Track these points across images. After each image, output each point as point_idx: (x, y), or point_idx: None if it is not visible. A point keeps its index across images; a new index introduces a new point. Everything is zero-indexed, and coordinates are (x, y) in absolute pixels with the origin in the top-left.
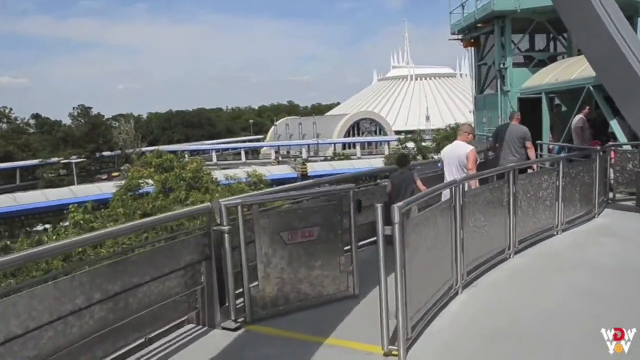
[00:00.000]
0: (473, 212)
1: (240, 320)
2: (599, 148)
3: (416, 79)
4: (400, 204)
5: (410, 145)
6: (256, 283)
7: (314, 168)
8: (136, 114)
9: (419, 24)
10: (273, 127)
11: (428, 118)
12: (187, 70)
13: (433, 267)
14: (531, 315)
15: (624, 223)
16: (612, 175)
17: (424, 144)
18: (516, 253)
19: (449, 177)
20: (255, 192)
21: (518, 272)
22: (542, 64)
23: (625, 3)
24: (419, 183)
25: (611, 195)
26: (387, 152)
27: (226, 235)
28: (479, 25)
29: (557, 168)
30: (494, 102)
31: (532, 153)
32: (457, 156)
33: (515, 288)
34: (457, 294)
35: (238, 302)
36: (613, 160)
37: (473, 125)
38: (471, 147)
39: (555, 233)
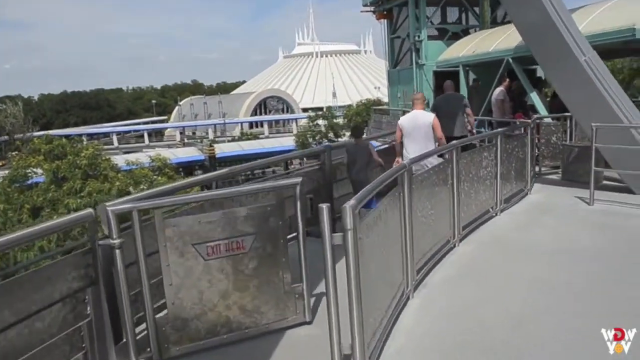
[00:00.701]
0: (420, 199)
1: (144, 358)
2: (530, 121)
3: (321, 56)
4: (351, 202)
5: (321, 122)
6: (165, 311)
7: (221, 149)
8: (25, 95)
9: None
10: (177, 107)
11: (334, 94)
12: (83, 48)
13: (385, 272)
14: (497, 318)
15: (557, 199)
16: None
17: (335, 120)
18: (460, 240)
19: (414, 147)
20: (158, 189)
21: (468, 264)
22: (456, 36)
23: None
24: (375, 155)
25: (537, 169)
26: (295, 130)
27: (117, 252)
28: None
29: (495, 143)
30: (408, 76)
31: (472, 120)
32: (419, 125)
33: (470, 285)
34: (408, 298)
35: (139, 335)
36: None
37: (388, 100)
38: (433, 114)
39: (495, 214)
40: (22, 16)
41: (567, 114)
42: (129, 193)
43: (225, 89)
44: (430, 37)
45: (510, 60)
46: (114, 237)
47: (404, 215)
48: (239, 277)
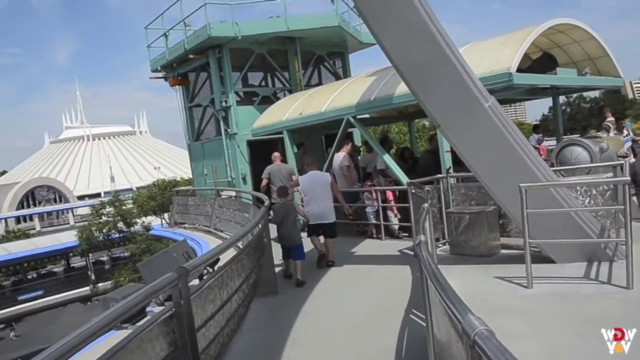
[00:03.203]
0: None
1: None
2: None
3: (93, 139)
4: None
5: (108, 209)
6: None
7: None
8: None
9: (90, 82)
10: None
11: (112, 178)
12: None
13: None
14: None
15: (477, 284)
16: (395, 220)
17: (124, 207)
18: None
19: (316, 202)
20: None
21: None
22: (267, 100)
23: (335, 39)
24: (300, 210)
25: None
26: (72, 221)
27: None
28: (191, 56)
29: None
30: (216, 149)
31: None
32: (321, 182)
33: None
34: None
35: None
36: (392, 202)
37: (192, 178)
38: (328, 174)
39: None
40: None
41: (439, 175)
42: None
43: None
44: (237, 103)
45: (352, 119)
46: None
47: None
48: None
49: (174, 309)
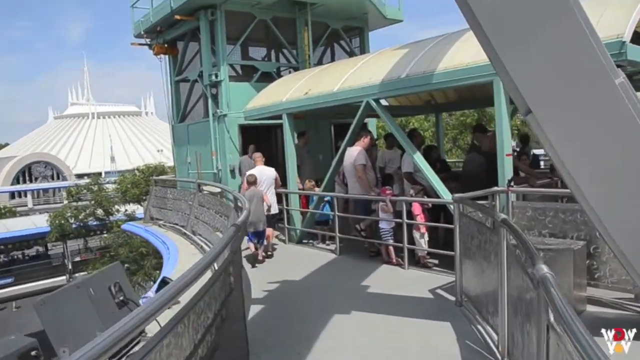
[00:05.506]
0: None
1: None
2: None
3: (98, 117)
4: None
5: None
6: None
7: None
8: None
9: (100, 60)
10: None
11: (113, 159)
12: None
13: None
14: None
15: None
16: (422, 242)
17: (104, 192)
18: None
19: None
20: None
21: None
22: (268, 77)
23: (355, 10)
24: (267, 199)
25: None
26: (66, 201)
27: None
28: (177, 17)
29: None
30: (202, 133)
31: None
32: (267, 177)
33: None
34: None
35: None
36: (420, 218)
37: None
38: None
39: None
40: None
41: (496, 188)
42: None
43: None
44: (232, 79)
45: (373, 103)
46: None
47: None
48: None
49: None
